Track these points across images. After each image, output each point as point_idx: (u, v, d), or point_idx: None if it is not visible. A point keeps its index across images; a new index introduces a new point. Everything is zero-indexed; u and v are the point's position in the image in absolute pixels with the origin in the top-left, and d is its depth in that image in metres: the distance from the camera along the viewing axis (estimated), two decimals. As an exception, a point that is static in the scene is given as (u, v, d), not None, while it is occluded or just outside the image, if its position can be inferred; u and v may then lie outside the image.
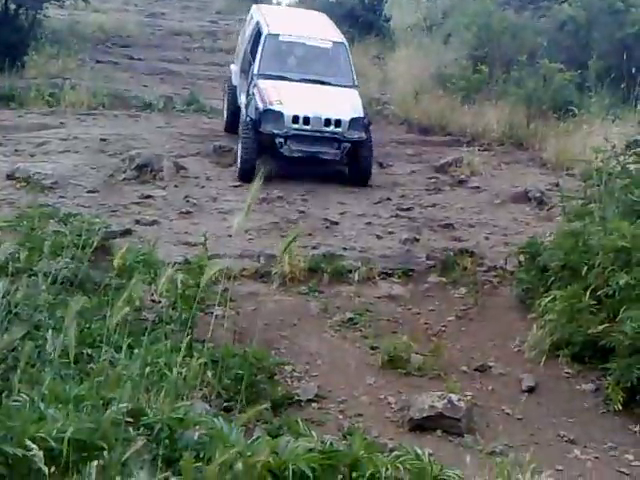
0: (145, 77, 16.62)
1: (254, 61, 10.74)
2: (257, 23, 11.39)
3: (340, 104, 10.26)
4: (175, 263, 6.96)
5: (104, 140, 11.42)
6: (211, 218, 9.09)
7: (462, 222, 9.24)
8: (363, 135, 10.15)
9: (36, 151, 10.90)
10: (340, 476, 2.57)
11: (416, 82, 15.07)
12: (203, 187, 10.12)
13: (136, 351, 4.20)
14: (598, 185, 7.41)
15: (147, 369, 4.03)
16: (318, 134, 10.01)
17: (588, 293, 6.24)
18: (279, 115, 9.98)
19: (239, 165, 10.05)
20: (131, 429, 3.01)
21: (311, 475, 2.39)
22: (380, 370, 6.07)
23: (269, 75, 10.51)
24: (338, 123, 10.04)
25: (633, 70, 12.15)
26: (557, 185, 9.85)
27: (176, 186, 9.98)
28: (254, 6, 12.39)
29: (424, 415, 5.28)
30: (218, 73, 18.29)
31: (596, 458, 5.06)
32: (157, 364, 4.42)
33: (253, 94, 10.27)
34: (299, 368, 6.02)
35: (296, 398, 5.53)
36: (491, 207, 9.89)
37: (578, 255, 6.66)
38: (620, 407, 5.60)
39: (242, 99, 10.99)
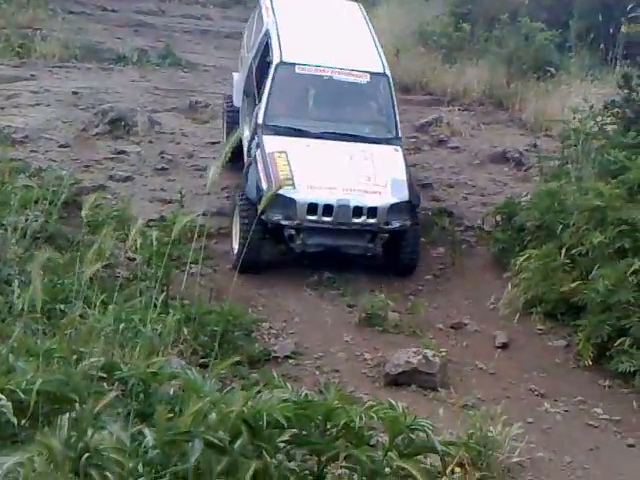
0: (119, 29, 16.28)
1: (259, 99, 7.65)
2: (266, 33, 8.16)
3: (377, 180, 7.16)
4: (150, 220, 6.97)
5: (76, 93, 11.21)
6: (187, 175, 9.03)
7: (441, 182, 9.27)
8: (407, 222, 7.07)
9: (6, 104, 10.64)
10: (314, 426, 2.63)
11: (397, 39, 14.93)
12: (179, 143, 10.02)
13: (110, 307, 4.19)
14: (575, 146, 7.47)
15: (121, 325, 4.05)
16: (344, 227, 7.00)
17: (562, 252, 6.34)
18: (289, 201, 6.86)
19: (237, 255, 6.87)
20: (105, 384, 3.02)
21: (285, 424, 2.45)
22: (357, 327, 6.15)
23: (279, 129, 7.43)
24: (373, 212, 6.95)
25: (611, 30, 12.13)
26: (535, 146, 9.87)
27: (151, 142, 9.86)
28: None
29: (399, 370, 5.37)
30: (194, 26, 18.02)
31: (566, 411, 5.19)
32: (132, 320, 4.41)
33: (255, 159, 7.24)
34: (276, 325, 6.07)
35: (273, 355, 5.59)
36: (470, 167, 9.91)
37: (554, 215, 6.74)
38: (590, 362, 5.73)
39: (245, 131, 7.85)
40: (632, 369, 5.40)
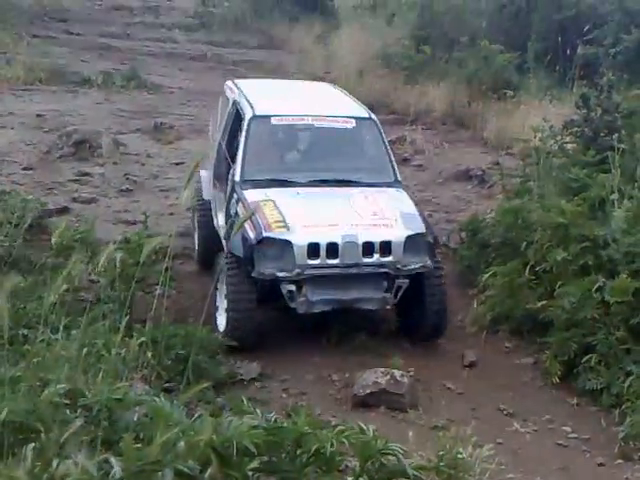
0: (84, 52, 16.28)
1: (234, 162, 6.64)
2: (234, 104, 7.21)
3: (385, 213, 6.16)
4: (114, 242, 6.86)
5: (41, 116, 11.14)
6: (152, 196, 8.96)
7: (405, 200, 9.30)
8: (428, 262, 6.04)
9: (-30, 127, 10.57)
10: (284, 452, 2.57)
11: (360, 61, 15.10)
12: (143, 164, 9.95)
13: (74, 332, 4.10)
14: (537, 164, 7.57)
15: (85, 350, 3.96)
16: (354, 270, 5.94)
17: (527, 269, 6.37)
18: (285, 246, 5.84)
19: (228, 328, 5.91)
20: (68, 411, 2.94)
21: (255, 451, 2.38)
22: (325, 349, 6.09)
23: (259, 182, 6.39)
24: (386, 248, 5.92)
25: (568, 52, 12.39)
26: (497, 164, 9.99)
27: (115, 163, 9.78)
28: (227, 82, 7.99)
29: (368, 392, 5.32)
30: (159, 49, 18.01)
31: (535, 431, 5.17)
32: (95, 345, 4.32)
33: (237, 216, 6.16)
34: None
35: (239, 377, 5.50)
36: (434, 185, 9.99)
37: (517, 232, 6.80)
38: (558, 380, 5.74)
39: (219, 220, 6.91)
40: (599, 386, 5.41)
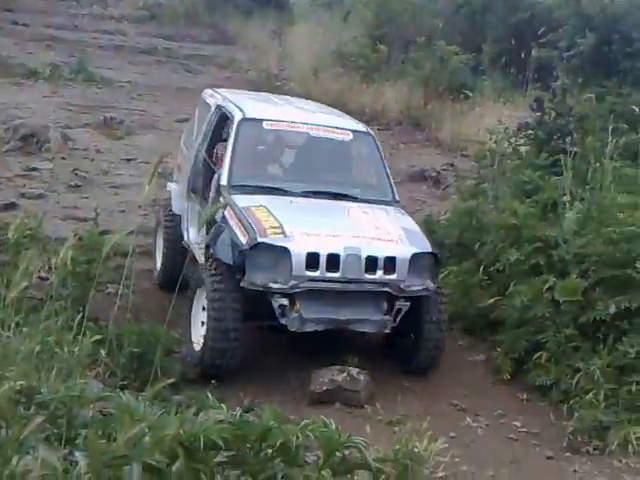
0: (30, 44, 15.97)
1: (219, 167, 6.21)
2: (218, 109, 6.65)
3: (388, 228, 5.77)
4: (65, 239, 6.78)
5: (-15, 109, 10.91)
6: (102, 192, 8.87)
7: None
8: (431, 285, 5.64)
9: None
10: (250, 446, 2.62)
11: (315, 59, 15.15)
12: (93, 160, 9.83)
13: (24, 329, 4.07)
14: (491, 165, 7.73)
15: (37, 347, 3.94)
16: (354, 286, 5.49)
17: (480, 269, 6.52)
18: (281, 253, 5.32)
19: (207, 347, 5.40)
20: (22, 408, 2.93)
21: (223, 446, 2.42)
22: (281, 347, 6.12)
23: (248, 188, 5.91)
24: (391, 265, 5.46)
25: (522, 55, 12.64)
26: (452, 165, 10.17)
27: (64, 158, 9.64)
28: (207, 91, 7.36)
29: (324, 388, 5.38)
30: (108, 42, 17.77)
31: (487, 425, 5.32)
32: (47, 342, 4.30)
33: (224, 221, 5.63)
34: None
35: (195, 376, 5.48)
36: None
37: (471, 232, 6.95)
38: (509, 376, 5.90)
39: (192, 235, 6.50)
40: (548, 382, 5.58)
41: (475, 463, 4.58)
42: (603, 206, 6.19)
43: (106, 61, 15.00)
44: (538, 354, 5.73)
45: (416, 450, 4.25)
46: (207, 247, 5.80)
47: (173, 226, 6.91)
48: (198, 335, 5.53)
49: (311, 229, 5.48)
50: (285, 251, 5.28)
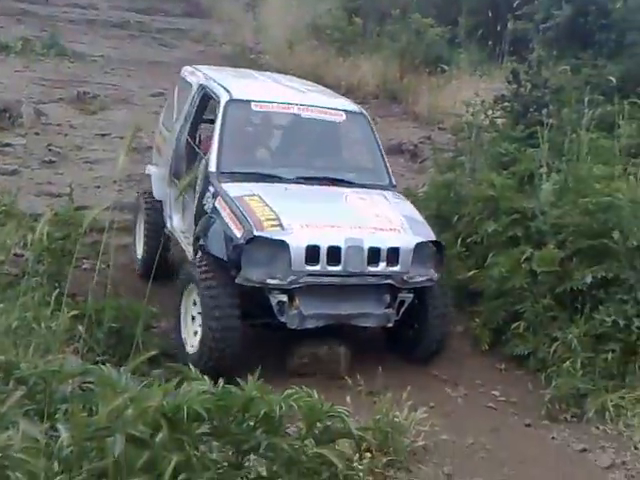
0: (1, 18, 15.67)
1: (204, 150, 5.98)
2: (201, 88, 6.36)
3: (389, 216, 5.54)
4: (40, 215, 6.71)
5: (-45, 84, 10.71)
6: (76, 168, 8.78)
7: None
8: (434, 275, 5.49)
9: None
10: (232, 417, 2.62)
11: (291, 32, 15.03)
12: (67, 135, 9.72)
13: (1, 305, 4.03)
14: (468, 138, 7.73)
15: (15, 323, 3.90)
16: (355, 280, 5.25)
17: (459, 241, 6.54)
18: (279, 247, 5.04)
19: (204, 349, 5.09)
20: (1, 383, 2.90)
21: (206, 416, 2.42)
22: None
23: (239, 175, 5.62)
24: (394, 256, 5.25)
25: (499, 27, 12.62)
26: (429, 138, 10.16)
27: (37, 134, 9.52)
28: (187, 68, 7.07)
29: (305, 361, 5.41)
30: (80, 16, 17.51)
31: (466, 395, 5.38)
32: (25, 318, 4.25)
33: (215, 212, 5.37)
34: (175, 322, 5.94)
35: (173, 351, 5.47)
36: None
37: (449, 205, 6.97)
38: (487, 347, 5.97)
39: (176, 222, 6.29)
40: (526, 352, 5.65)
41: (455, 432, 4.63)
42: (579, 177, 6.23)
43: (78, 35, 14.78)
44: (516, 324, 5.78)
45: (397, 420, 4.31)
46: (196, 239, 5.54)
47: (155, 213, 6.62)
48: (190, 331, 5.33)
49: (309, 220, 5.20)
50: (283, 245, 5.00)
